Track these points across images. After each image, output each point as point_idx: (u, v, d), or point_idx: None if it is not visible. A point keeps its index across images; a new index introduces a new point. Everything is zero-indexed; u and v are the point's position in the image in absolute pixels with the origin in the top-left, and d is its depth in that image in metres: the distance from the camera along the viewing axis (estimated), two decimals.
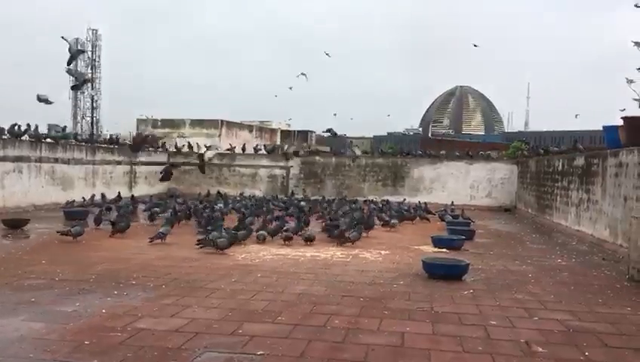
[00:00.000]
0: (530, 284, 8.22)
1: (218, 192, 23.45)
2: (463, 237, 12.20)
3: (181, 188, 25.55)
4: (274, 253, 10.62)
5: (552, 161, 17.53)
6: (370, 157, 26.10)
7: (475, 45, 37.68)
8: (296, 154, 18.86)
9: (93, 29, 59.76)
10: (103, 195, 18.73)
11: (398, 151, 27.08)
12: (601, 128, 13.80)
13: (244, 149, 27.15)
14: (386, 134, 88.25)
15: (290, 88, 49.55)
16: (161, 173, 18.60)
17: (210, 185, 25.16)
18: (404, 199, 21.88)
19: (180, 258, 9.74)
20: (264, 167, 26.28)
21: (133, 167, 23.81)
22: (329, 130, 13.60)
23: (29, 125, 18.11)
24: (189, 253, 10.31)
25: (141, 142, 16.32)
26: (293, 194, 23.87)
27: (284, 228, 12.43)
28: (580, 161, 14.63)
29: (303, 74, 21.99)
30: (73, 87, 12.89)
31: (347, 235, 11.84)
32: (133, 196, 20.00)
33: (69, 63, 13.12)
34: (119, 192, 19.80)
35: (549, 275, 9.00)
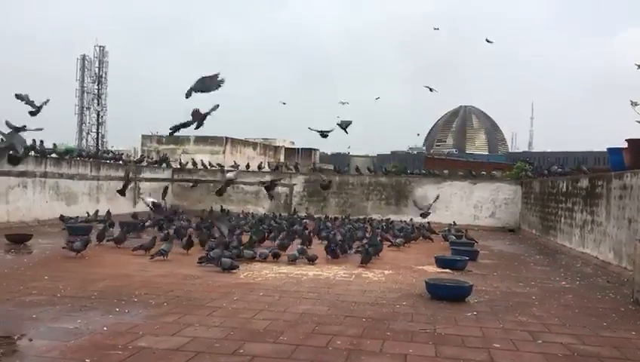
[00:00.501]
0: (534, 307, 8.15)
1: (222, 209, 23.44)
2: (467, 257, 12.14)
3: (184, 204, 25.55)
4: (276, 271, 10.59)
5: (556, 182, 17.50)
6: (374, 175, 26.11)
7: (487, 40, 36.04)
8: (326, 187, 18.44)
9: (100, 46, 60.26)
10: (108, 212, 18.68)
11: (402, 170, 27.08)
12: (606, 150, 13.79)
13: (248, 167, 27.21)
14: (389, 153, 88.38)
15: (284, 103, 49.05)
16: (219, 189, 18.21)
17: (213, 202, 25.13)
18: (411, 219, 21.65)
19: (182, 275, 9.72)
20: None
21: (137, 183, 23.85)
22: (321, 132, 13.40)
23: (34, 140, 18.22)
24: (191, 270, 10.28)
25: (127, 185, 16.37)
26: (295, 212, 23.84)
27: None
28: (584, 183, 14.60)
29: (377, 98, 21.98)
30: (31, 113, 13.10)
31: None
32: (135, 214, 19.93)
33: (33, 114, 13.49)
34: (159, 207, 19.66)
35: (553, 298, 8.94)
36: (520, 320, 7.28)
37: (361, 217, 22.45)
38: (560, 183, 17.02)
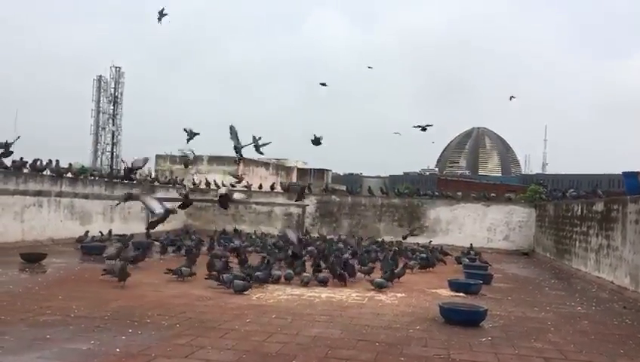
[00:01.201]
0: (550, 332, 8.04)
1: (235, 230, 23.47)
2: (481, 281, 12.03)
3: (197, 224, 25.64)
4: (289, 293, 10.55)
5: (571, 206, 17.36)
6: (387, 197, 26.05)
7: (511, 97, 36.22)
8: (300, 194, 18.25)
9: (116, 67, 61.11)
10: (125, 236, 18.62)
11: (415, 192, 26.99)
12: (621, 173, 13.69)
13: (260, 187, 27.30)
14: (402, 174, 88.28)
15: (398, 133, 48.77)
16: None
17: (226, 222, 25.21)
18: (430, 241, 21.28)
19: (195, 296, 9.72)
20: (280, 204, 26.33)
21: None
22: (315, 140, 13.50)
23: (50, 160, 18.43)
24: (204, 291, 10.27)
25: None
26: (308, 232, 23.79)
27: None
28: (599, 207, 14.47)
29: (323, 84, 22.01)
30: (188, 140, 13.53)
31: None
32: (148, 231, 19.90)
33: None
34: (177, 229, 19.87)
35: (568, 323, 8.81)
36: (535, 346, 7.18)
37: (378, 239, 22.32)
38: (575, 207, 16.88)
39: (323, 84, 20.52)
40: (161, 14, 12.06)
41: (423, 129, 14.56)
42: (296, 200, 21.06)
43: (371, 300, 10.20)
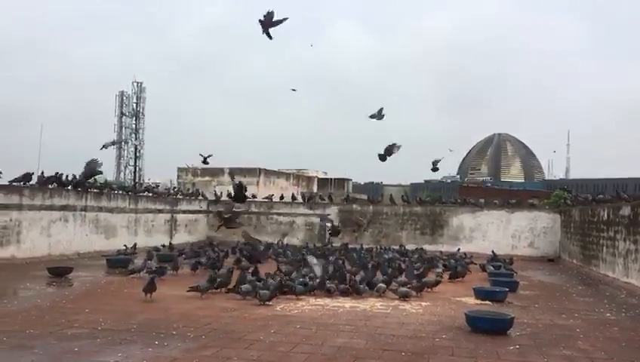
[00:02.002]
0: (579, 340, 7.90)
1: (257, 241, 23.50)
2: (507, 289, 11.88)
3: (219, 236, 25.72)
4: (312, 303, 10.53)
5: (597, 211, 17.08)
6: (408, 205, 25.91)
7: (450, 150, 35.59)
8: (336, 233, 18.12)
9: (137, 82, 61.96)
10: (153, 250, 18.74)
11: (437, 200, 26.81)
12: None
13: (282, 198, 27.36)
14: (423, 182, 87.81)
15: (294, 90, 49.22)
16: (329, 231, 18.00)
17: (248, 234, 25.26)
18: (459, 249, 20.92)
19: (220, 308, 9.75)
20: (302, 215, 26.36)
21: (174, 215, 24.20)
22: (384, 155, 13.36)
23: (74, 176, 18.68)
24: (228, 302, 10.30)
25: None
26: (330, 242, 23.72)
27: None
28: (625, 211, 14.22)
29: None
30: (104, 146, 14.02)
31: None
32: (171, 244, 20.13)
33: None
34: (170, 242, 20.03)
35: (598, 330, 8.65)
36: (565, 354, 7.06)
37: (395, 247, 22.20)
38: (601, 211, 16.61)
39: (293, 90, 20.48)
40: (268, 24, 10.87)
41: (379, 117, 14.14)
42: (329, 237, 21.03)
43: (396, 309, 10.13)
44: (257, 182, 34.35)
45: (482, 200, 25.88)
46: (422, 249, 21.52)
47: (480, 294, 11.57)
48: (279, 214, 26.62)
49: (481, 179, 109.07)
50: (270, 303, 10.15)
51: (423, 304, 10.76)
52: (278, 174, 38.68)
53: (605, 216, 16.04)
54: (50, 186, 17.78)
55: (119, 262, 15.43)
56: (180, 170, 36.11)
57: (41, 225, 16.96)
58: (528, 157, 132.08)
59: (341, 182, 54.31)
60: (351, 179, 56.93)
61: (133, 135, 61.52)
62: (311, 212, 26.22)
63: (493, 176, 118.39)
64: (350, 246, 22.14)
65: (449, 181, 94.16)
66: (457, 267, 15.35)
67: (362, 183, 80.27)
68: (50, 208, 17.34)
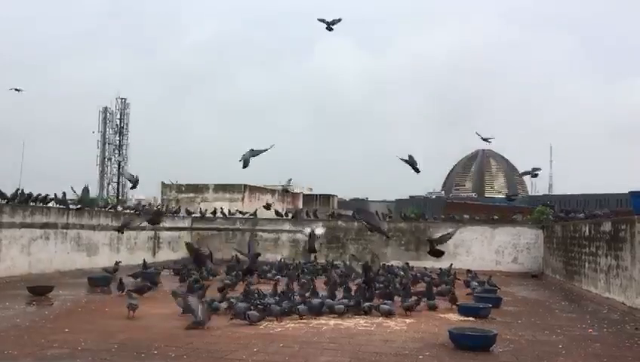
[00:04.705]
0: (561, 356, 7.94)
1: (237, 259, 23.17)
2: (490, 305, 11.92)
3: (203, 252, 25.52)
4: (296, 320, 10.47)
5: (578, 226, 17.25)
6: (393, 221, 25.96)
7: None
8: (312, 250, 18.06)
9: (121, 98, 61.72)
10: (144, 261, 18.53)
11: (421, 216, 26.89)
12: (628, 193, 13.64)
13: (268, 207, 27.37)
14: (408, 198, 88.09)
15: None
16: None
17: (233, 250, 25.14)
18: (451, 264, 20.75)
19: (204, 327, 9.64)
20: (287, 231, 26.30)
21: (157, 232, 24.00)
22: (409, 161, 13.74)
23: (64, 193, 18.55)
24: (211, 321, 10.14)
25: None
26: (316, 258, 23.63)
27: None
28: (606, 227, 14.38)
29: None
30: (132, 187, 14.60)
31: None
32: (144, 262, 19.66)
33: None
34: (144, 259, 19.77)
35: (580, 346, 8.70)
36: None
37: (381, 263, 22.16)
38: (582, 227, 16.77)
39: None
40: (330, 24, 13.67)
41: (414, 168, 14.55)
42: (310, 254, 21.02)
43: (380, 327, 10.11)
44: (242, 198, 34.22)
45: (467, 216, 26.00)
46: (407, 264, 21.51)
47: (463, 310, 11.59)
48: (264, 231, 26.54)
49: (466, 195, 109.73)
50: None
51: (407, 321, 10.75)
52: (264, 190, 38.58)
53: (587, 231, 16.20)
54: (31, 204, 17.59)
55: (101, 281, 15.26)
56: (164, 185, 35.87)
57: (21, 243, 16.73)
58: (512, 173, 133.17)
59: (326, 198, 54.30)
60: (336, 196, 56.95)
61: (117, 151, 61.15)
62: (296, 228, 26.15)
63: (478, 192, 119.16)
64: (335, 262, 22.09)
65: (434, 197, 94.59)
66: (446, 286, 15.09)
67: (347, 199, 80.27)
68: (31, 226, 17.12)
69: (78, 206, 19.09)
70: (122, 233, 17.13)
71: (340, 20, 13.44)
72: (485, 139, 15.08)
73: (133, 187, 13.08)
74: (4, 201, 16.75)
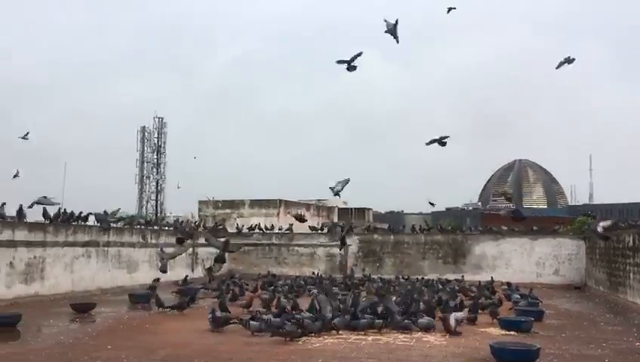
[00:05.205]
0: None
1: (272, 274, 23.33)
2: (532, 318, 11.66)
3: (240, 268, 25.75)
4: (334, 335, 10.41)
5: (622, 236, 16.77)
6: (430, 234, 25.71)
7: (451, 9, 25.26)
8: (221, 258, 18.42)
9: (159, 117, 62.99)
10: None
11: (458, 228, 26.57)
12: None
13: (301, 218, 27.31)
14: (444, 210, 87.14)
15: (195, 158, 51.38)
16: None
17: (269, 265, 25.31)
18: (492, 277, 20.27)
19: (242, 342, 9.70)
20: (322, 245, 26.28)
21: (195, 249, 24.29)
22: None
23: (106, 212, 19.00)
24: (250, 337, 10.19)
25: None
26: (353, 273, 23.49)
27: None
28: None
29: None
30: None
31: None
32: (186, 278, 19.91)
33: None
34: (185, 276, 20.10)
35: (627, 360, 8.44)
36: None
37: (419, 277, 21.95)
38: (626, 237, 16.30)
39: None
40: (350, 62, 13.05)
41: (441, 143, 14.52)
42: (340, 248, 21.09)
43: (419, 341, 9.98)
44: (277, 213, 34.39)
45: (505, 228, 25.53)
46: (447, 280, 21.12)
47: (505, 324, 11.36)
48: (299, 246, 26.59)
49: (503, 206, 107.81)
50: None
51: (447, 336, 10.59)
52: (298, 205, 38.71)
53: (630, 241, 15.74)
54: (73, 223, 18.04)
55: (141, 298, 15.52)
56: (200, 202, 36.34)
57: (64, 261, 17.15)
58: (550, 183, 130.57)
59: (362, 211, 54.16)
60: (371, 209, 56.71)
61: (155, 169, 62.30)
62: (332, 243, 26.10)
63: (515, 203, 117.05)
64: (373, 276, 21.95)
65: (470, 208, 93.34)
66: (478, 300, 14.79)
67: (383, 212, 79.87)
68: (74, 244, 17.55)
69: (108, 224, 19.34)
70: (182, 245, 17.41)
71: (360, 54, 12.84)
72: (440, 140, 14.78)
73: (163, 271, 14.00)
74: (47, 221, 17.23)
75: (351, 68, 12.68)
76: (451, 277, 22.07)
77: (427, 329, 10.93)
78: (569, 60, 15.83)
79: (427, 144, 14.69)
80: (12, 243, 15.47)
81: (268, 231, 27.37)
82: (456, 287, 17.86)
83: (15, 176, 19.94)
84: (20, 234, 15.81)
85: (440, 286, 18.12)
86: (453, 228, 26.43)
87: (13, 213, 16.43)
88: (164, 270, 14.12)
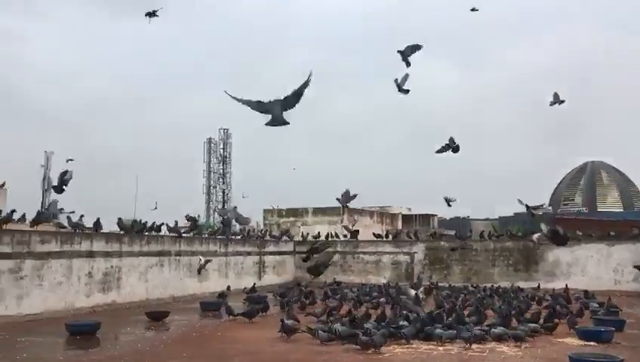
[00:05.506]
0: None
1: (336, 282, 23.39)
2: (613, 328, 11.12)
3: (307, 276, 25.84)
4: (404, 345, 10.28)
5: None
6: (499, 240, 25.01)
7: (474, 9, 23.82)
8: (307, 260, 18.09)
9: (224, 129, 64.63)
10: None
11: (528, 233, 25.66)
12: None
13: (352, 232, 27.26)
14: (512, 215, 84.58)
15: (294, 169, 51.88)
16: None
17: (335, 273, 25.29)
18: (566, 285, 19.56)
19: (313, 351, 9.73)
20: (388, 253, 26.06)
21: (262, 257, 24.65)
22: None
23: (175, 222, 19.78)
24: (321, 345, 10.16)
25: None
26: (420, 280, 23.11)
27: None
28: None
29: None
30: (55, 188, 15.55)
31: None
32: (254, 286, 20.09)
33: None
34: (254, 283, 20.42)
35: None
36: None
37: (488, 285, 21.35)
38: None
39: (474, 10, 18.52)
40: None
41: (454, 150, 14.45)
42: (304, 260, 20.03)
43: (492, 352, 9.72)
44: (341, 221, 34.38)
45: (580, 233, 24.51)
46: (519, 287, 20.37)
47: (583, 334, 10.90)
48: (365, 253, 26.47)
49: (576, 210, 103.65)
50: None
51: (522, 346, 10.25)
52: (362, 212, 38.57)
53: None
54: (146, 233, 18.71)
55: (213, 306, 15.88)
56: (265, 211, 36.87)
57: (139, 270, 17.77)
58: (626, 185, 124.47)
59: (426, 217, 53.41)
60: (436, 215, 55.77)
61: (221, 179, 63.84)
62: (397, 250, 25.88)
63: (588, 207, 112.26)
64: (440, 284, 21.59)
65: (540, 213, 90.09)
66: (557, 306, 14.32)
67: (448, 218, 78.33)
68: (148, 254, 18.16)
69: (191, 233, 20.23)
70: (307, 260, 17.84)
71: (419, 47, 12.66)
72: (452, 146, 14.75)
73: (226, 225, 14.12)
74: (122, 232, 17.94)
75: (407, 63, 12.80)
76: (523, 285, 21.38)
77: (500, 339, 10.62)
78: (559, 101, 15.71)
79: (437, 152, 14.59)
80: (90, 254, 16.14)
81: (332, 239, 27.38)
82: (529, 296, 17.29)
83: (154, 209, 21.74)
84: (98, 245, 16.48)
85: (512, 295, 17.54)
86: (524, 234, 25.48)
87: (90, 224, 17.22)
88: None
